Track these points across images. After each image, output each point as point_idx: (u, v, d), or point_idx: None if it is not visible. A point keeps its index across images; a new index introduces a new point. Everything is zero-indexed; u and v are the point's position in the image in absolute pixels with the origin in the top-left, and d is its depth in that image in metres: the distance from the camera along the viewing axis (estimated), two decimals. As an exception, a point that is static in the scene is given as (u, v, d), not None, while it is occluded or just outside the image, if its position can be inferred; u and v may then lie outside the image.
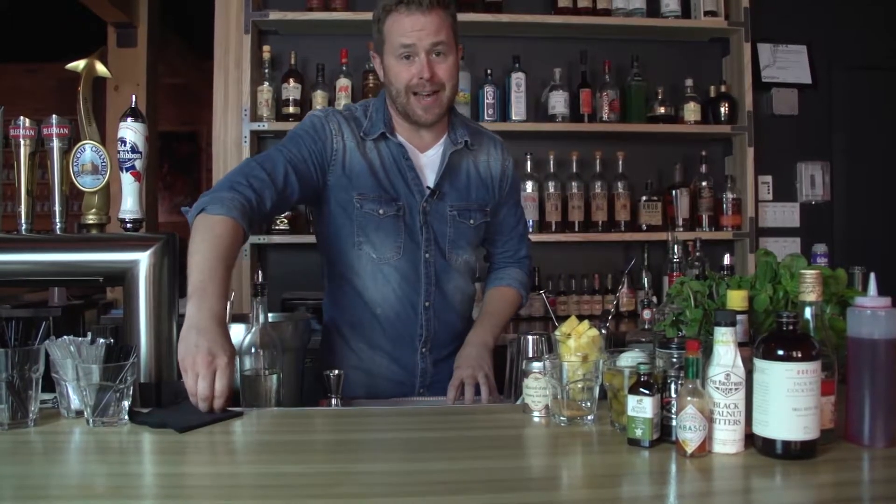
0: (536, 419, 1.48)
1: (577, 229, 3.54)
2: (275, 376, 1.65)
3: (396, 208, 1.90)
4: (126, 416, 1.44)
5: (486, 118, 3.45)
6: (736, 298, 1.32)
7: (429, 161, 1.96)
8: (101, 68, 1.93)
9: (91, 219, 1.85)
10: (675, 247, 3.26)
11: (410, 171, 1.92)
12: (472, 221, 1.99)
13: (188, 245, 1.62)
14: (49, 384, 1.50)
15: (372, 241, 1.90)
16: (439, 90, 1.85)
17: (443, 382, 1.90)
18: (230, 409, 1.54)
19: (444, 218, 1.95)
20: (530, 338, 1.70)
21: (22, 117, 1.83)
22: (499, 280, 2.14)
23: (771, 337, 1.23)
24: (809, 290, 1.29)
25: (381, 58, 1.89)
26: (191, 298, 1.53)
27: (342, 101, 3.36)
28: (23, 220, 1.82)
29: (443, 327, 1.98)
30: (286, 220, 3.40)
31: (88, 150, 1.82)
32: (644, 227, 3.60)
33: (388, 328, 1.95)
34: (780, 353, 1.19)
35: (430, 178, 1.94)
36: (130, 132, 1.80)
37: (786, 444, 1.19)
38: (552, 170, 3.56)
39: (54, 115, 1.84)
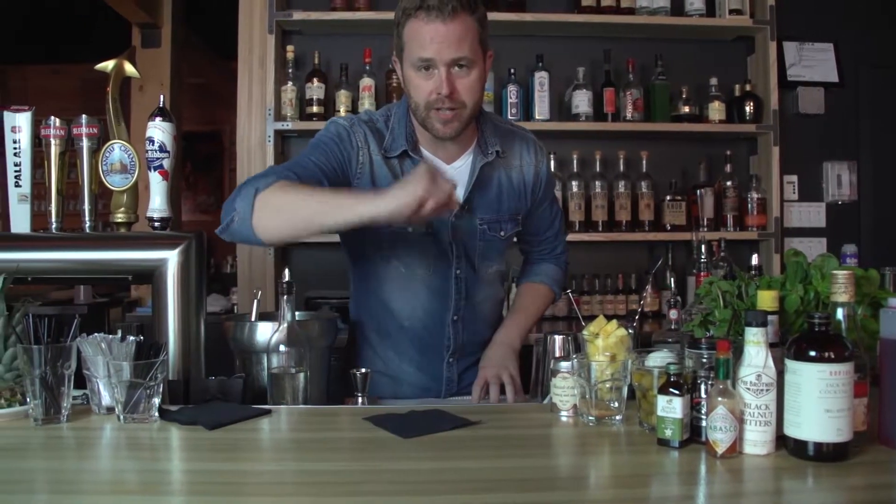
0: (564, 419, 1.48)
1: (600, 229, 3.52)
2: (302, 374, 1.65)
3: (425, 225, 1.81)
4: (156, 413, 1.45)
5: (509, 117, 3.44)
6: (766, 299, 1.31)
7: (456, 174, 1.82)
8: (129, 69, 1.95)
9: (119, 217, 1.86)
10: (701, 247, 3.26)
11: None
12: (502, 234, 1.92)
13: (254, 222, 1.56)
14: (80, 381, 1.52)
15: (401, 256, 1.85)
16: (459, 108, 1.71)
17: (469, 390, 1.89)
18: (257, 406, 1.56)
19: (474, 232, 1.88)
20: (557, 337, 1.70)
21: (53, 117, 1.85)
22: (533, 276, 2.10)
23: (803, 337, 1.22)
24: (842, 290, 1.28)
25: (401, 65, 1.76)
26: (360, 200, 1.46)
27: (366, 100, 3.37)
28: (53, 219, 1.84)
29: (471, 337, 1.94)
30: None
31: (117, 150, 1.83)
32: (668, 227, 3.58)
33: (415, 339, 1.92)
34: (813, 353, 1.18)
35: (457, 192, 1.79)
36: (159, 131, 1.81)
37: (818, 445, 1.18)
38: (576, 169, 3.55)
39: (84, 115, 1.85)
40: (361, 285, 1.96)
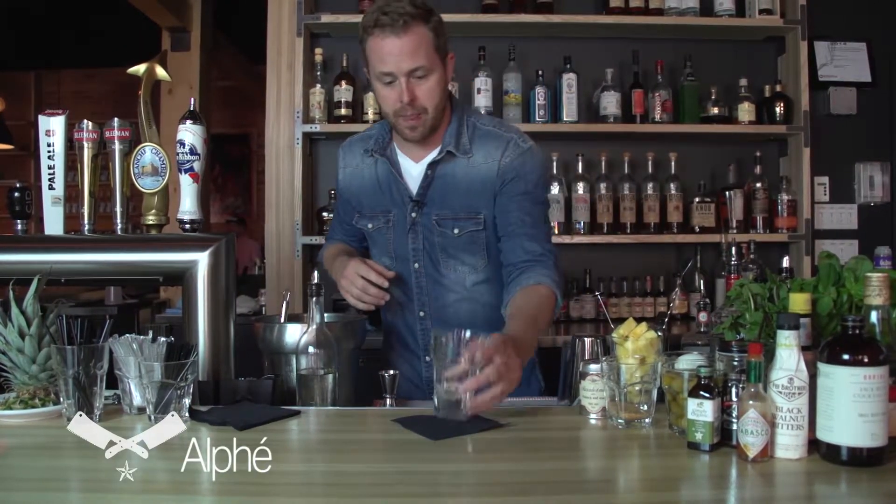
0: (593, 421, 1.47)
1: (628, 231, 3.50)
2: (330, 376, 1.66)
3: (385, 220, 1.96)
4: (187, 414, 1.46)
5: (537, 119, 3.43)
6: (799, 301, 1.30)
7: (418, 173, 1.92)
8: (161, 72, 1.97)
9: (150, 219, 1.88)
10: (731, 249, 3.23)
11: (399, 184, 1.92)
12: (455, 231, 1.90)
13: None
14: (111, 381, 1.53)
15: (374, 253, 2.02)
16: (421, 112, 1.80)
17: None
18: (286, 407, 1.56)
19: (430, 228, 1.91)
20: (587, 339, 1.69)
21: (86, 121, 1.87)
22: (517, 283, 1.83)
23: (836, 341, 1.20)
24: (876, 293, 1.26)
25: (371, 78, 1.85)
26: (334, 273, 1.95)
27: (393, 102, 3.37)
28: (85, 221, 1.87)
29: None
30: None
31: (148, 153, 1.85)
32: (697, 229, 3.54)
33: (398, 335, 2.04)
34: (846, 357, 1.17)
35: (413, 189, 1.91)
36: (189, 134, 1.83)
37: (852, 450, 1.17)
38: (604, 171, 3.52)
39: (116, 119, 1.88)
40: None
